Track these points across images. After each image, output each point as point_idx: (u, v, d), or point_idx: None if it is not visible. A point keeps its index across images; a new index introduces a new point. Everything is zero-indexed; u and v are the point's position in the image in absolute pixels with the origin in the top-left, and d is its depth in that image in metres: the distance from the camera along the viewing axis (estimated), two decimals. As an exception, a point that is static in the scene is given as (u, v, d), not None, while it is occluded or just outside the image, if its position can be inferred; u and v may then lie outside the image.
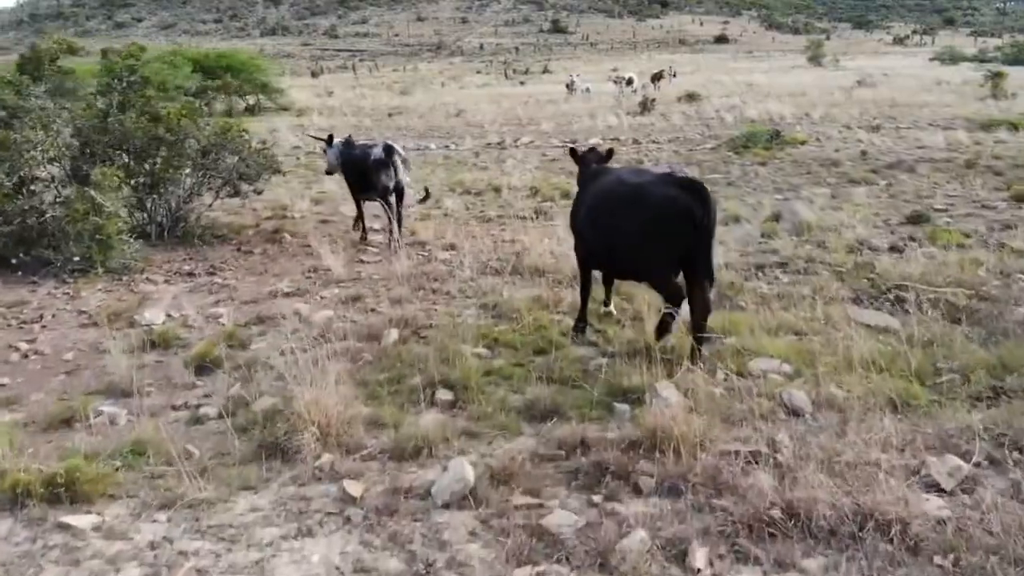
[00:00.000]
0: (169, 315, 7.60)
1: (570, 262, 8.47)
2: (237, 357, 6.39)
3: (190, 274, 9.07)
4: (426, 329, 6.97)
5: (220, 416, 5.39)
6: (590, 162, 7.14)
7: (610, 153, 7.26)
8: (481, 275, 8.58)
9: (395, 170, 10.18)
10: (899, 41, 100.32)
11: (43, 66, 8.88)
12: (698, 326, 5.88)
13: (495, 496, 4.22)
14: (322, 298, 8.07)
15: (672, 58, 75.24)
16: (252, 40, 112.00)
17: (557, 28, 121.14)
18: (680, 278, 5.97)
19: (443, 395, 5.49)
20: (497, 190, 14.30)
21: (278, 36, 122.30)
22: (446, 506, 4.17)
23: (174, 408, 5.64)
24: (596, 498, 4.20)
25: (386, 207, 10.14)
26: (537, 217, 11.71)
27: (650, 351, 5.88)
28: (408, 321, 7.07)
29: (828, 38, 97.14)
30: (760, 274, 8.27)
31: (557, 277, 8.29)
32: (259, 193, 11.34)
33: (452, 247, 9.93)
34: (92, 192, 8.60)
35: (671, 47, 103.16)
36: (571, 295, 7.74)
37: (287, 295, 8.15)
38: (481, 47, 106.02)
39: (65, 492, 4.27)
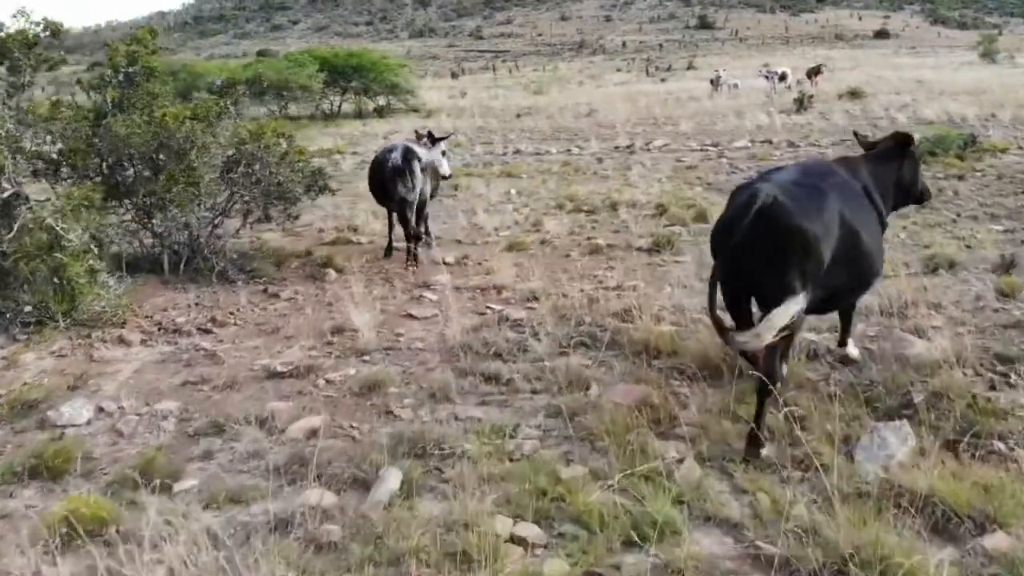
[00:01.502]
0: (101, 409, 5.23)
1: (700, 335, 5.64)
2: (139, 513, 3.89)
3: (177, 331, 6.75)
4: (451, 462, 4.27)
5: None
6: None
7: (903, 139, 5.36)
8: (563, 350, 5.82)
9: (413, 178, 8.43)
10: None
11: (12, 55, 6.96)
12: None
13: None
14: (327, 383, 5.51)
15: (829, 54, 69.71)
16: (400, 42, 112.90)
17: (704, 24, 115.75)
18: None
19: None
20: (614, 207, 11.47)
21: (425, 38, 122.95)
22: None
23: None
24: None
25: (405, 220, 8.76)
26: (658, 251, 8.83)
27: (848, 562, 2.99)
28: (429, 446, 4.40)
29: (1000, 33, 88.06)
30: (1015, 375, 5.09)
31: (679, 364, 5.43)
32: (295, 218, 8.99)
33: (535, 297, 7.21)
34: (51, 220, 6.40)
35: (827, 42, 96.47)
36: (698, 399, 4.90)
37: (281, 375, 5.64)
38: (624, 45, 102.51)
39: None
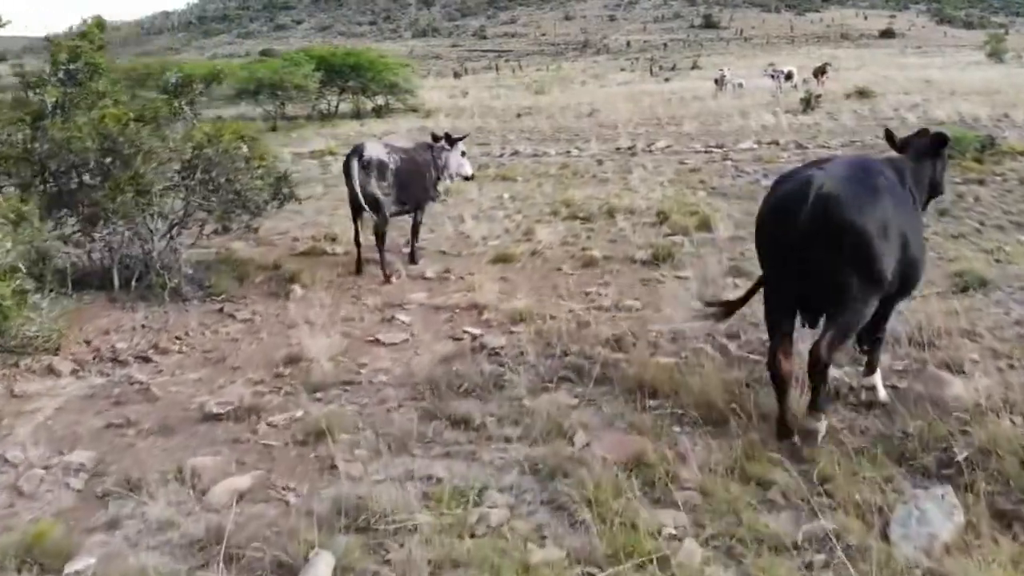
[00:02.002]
0: (5, 460, 4.48)
1: (702, 371, 4.91)
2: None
3: (114, 359, 6.00)
4: (400, 538, 3.52)
5: None
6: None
7: (941, 139, 4.99)
8: (546, 385, 5.08)
9: (354, 178, 7.85)
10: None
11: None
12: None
13: None
14: (268, 428, 4.76)
15: (835, 53, 68.87)
16: (404, 42, 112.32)
17: (709, 23, 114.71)
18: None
19: None
20: (612, 214, 10.71)
21: (428, 37, 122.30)
22: None
23: None
24: None
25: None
26: (657, 264, 8.08)
27: None
28: (375, 517, 3.63)
29: (1007, 33, 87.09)
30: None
31: (678, 407, 4.67)
32: (255, 230, 8.25)
33: (519, 319, 6.46)
34: (-29, 235, 5.66)
35: (832, 42, 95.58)
36: (700, 454, 4.14)
37: (217, 417, 4.89)
38: (628, 44, 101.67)
39: None
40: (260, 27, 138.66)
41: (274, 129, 28.68)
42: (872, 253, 3.92)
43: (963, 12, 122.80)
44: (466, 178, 9.79)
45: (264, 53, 64.51)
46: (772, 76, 34.44)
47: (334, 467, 4.22)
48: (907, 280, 4.36)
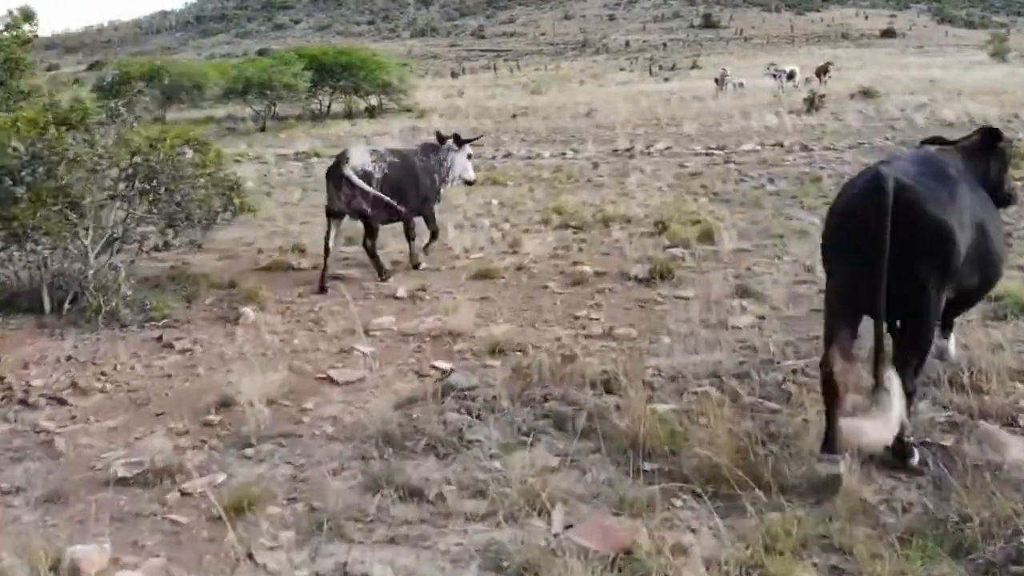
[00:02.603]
0: None
1: (708, 425, 4.10)
2: None
3: (25, 401, 5.16)
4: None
5: None
6: None
7: (995, 134, 4.73)
8: (521, 439, 4.26)
9: (348, 185, 7.50)
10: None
11: None
12: None
13: None
14: (182, 497, 3.92)
15: (835, 53, 68.24)
16: (402, 41, 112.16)
17: (708, 23, 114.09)
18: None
19: None
20: (607, 222, 9.91)
21: (427, 37, 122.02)
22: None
23: None
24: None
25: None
26: (655, 281, 7.26)
27: None
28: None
29: (1008, 32, 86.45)
30: None
31: (678, 474, 3.83)
32: (199, 246, 7.44)
33: (496, 350, 5.63)
34: None
35: (832, 41, 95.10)
36: (707, 541, 3.31)
37: (124, 481, 4.05)
38: (627, 44, 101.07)
39: None
40: (258, 27, 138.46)
41: (263, 130, 28.03)
42: (952, 247, 3.67)
43: (964, 12, 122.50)
44: (467, 182, 9.15)
45: (261, 53, 63.86)
46: (774, 76, 33.91)
47: (250, 556, 3.38)
48: (988, 275, 4.12)
